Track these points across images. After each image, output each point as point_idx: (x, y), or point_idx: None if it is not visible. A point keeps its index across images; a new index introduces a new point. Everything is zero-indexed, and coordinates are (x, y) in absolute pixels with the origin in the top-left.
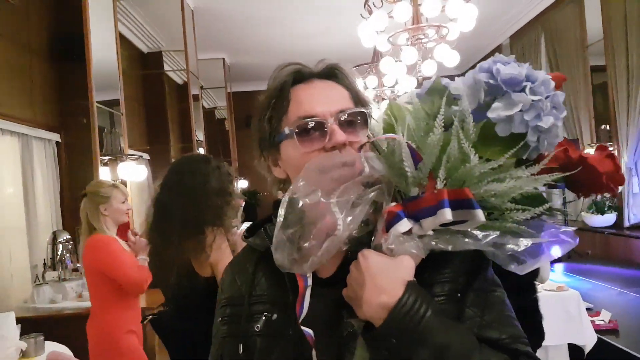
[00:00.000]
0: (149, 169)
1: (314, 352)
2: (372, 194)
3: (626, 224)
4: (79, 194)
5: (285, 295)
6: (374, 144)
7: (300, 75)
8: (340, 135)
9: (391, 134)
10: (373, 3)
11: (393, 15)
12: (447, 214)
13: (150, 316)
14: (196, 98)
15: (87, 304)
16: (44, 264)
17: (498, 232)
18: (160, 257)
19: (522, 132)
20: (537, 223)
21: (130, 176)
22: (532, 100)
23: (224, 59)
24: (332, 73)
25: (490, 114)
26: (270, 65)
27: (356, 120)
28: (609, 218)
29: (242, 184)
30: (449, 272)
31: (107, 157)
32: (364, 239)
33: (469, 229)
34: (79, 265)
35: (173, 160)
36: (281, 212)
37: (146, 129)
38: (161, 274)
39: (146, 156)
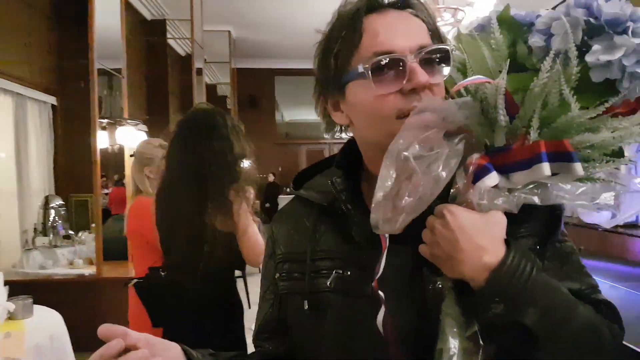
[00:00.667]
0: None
1: (381, 311)
2: (460, 144)
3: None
4: (74, 159)
5: (357, 251)
6: (459, 91)
7: (375, 3)
8: (422, 75)
9: (483, 78)
10: None
11: None
12: (545, 169)
13: (135, 280)
14: (199, 72)
15: (78, 271)
16: (35, 229)
17: (589, 184)
18: (175, 217)
19: (616, 78)
20: (623, 174)
21: (128, 141)
22: (636, 44)
23: (229, 31)
24: (408, 3)
25: (589, 58)
26: (280, 44)
27: (438, 58)
28: (605, 215)
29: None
30: (528, 225)
31: (105, 120)
32: (441, 194)
33: (561, 183)
34: (71, 232)
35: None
36: (386, 171)
37: (145, 99)
38: (173, 235)
39: (144, 127)
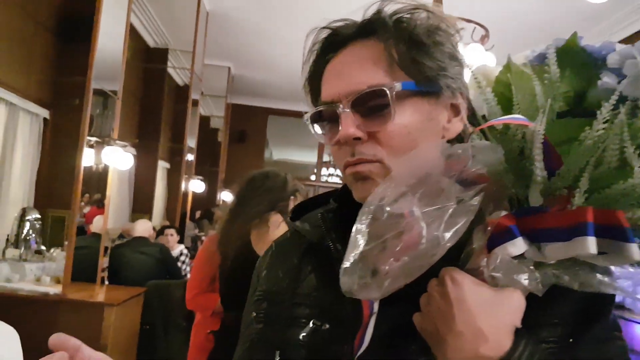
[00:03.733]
0: (134, 162)
1: None
2: (476, 198)
3: None
4: (57, 174)
5: (340, 302)
6: (484, 130)
7: (334, 40)
8: (345, 127)
9: (519, 118)
10: None
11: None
12: (590, 245)
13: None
14: (195, 103)
15: (44, 288)
16: (7, 240)
17: None
18: (226, 235)
19: None
20: None
21: (114, 162)
22: None
23: (229, 68)
24: (372, 27)
25: None
26: (276, 85)
27: (376, 103)
28: None
29: (225, 196)
30: (560, 311)
31: (94, 139)
32: (448, 251)
33: (607, 265)
34: (43, 247)
35: (159, 157)
36: (360, 226)
37: (137, 123)
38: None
39: (133, 151)
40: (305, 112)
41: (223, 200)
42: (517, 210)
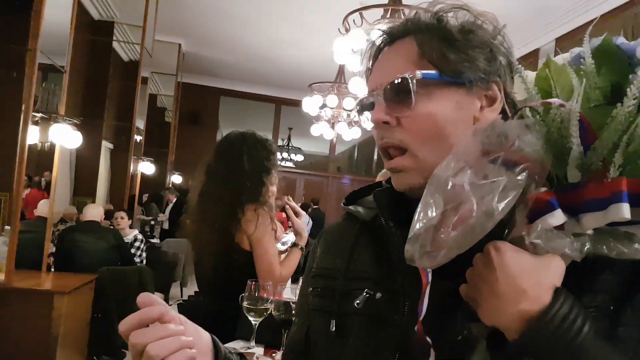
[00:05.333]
0: None
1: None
2: (522, 175)
3: None
4: None
5: (391, 275)
6: (529, 111)
7: (385, 41)
8: (375, 112)
9: (558, 100)
10: (353, 20)
11: (371, 38)
12: (624, 211)
13: (179, 301)
14: (144, 81)
15: None
16: None
17: None
18: (200, 241)
19: None
20: None
21: (63, 141)
22: None
23: (180, 44)
24: (405, 30)
25: None
26: (228, 63)
27: (401, 91)
28: None
29: (175, 179)
30: (603, 280)
31: (39, 115)
32: (492, 229)
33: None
34: None
35: (103, 137)
36: (428, 198)
37: (81, 100)
38: (200, 259)
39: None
40: (260, 94)
41: (172, 183)
42: (557, 187)
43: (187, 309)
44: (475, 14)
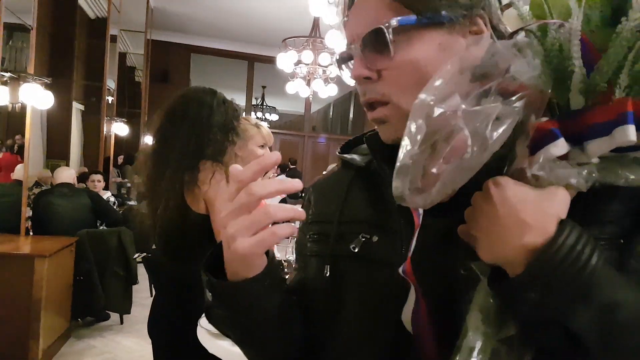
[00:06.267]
0: None
1: (409, 304)
2: (519, 103)
3: None
4: None
5: (387, 217)
6: (526, 34)
7: None
8: (355, 68)
9: (556, 20)
10: None
11: None
12: (630, 133)
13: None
14: (113, 39)
15: None
16: None
17: None
18: (153, 189)
19: None
20: None
21: (34, 101)
22: None
23: (148, 0)
24: None
25: None
26: (199, 19)
27: (378, 42)
28: None
29: (149, 139)
30: (611, 210)
31: (7, 74)
32: (492, 164)
33: None
34: None
35: (74, 97)
36: (411, 125)
37: (49, 59)
38: (152, 207)
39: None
40: (232, 51)
41: (147, 144)
42: (559, 115)
43: (152, 268)
44: None
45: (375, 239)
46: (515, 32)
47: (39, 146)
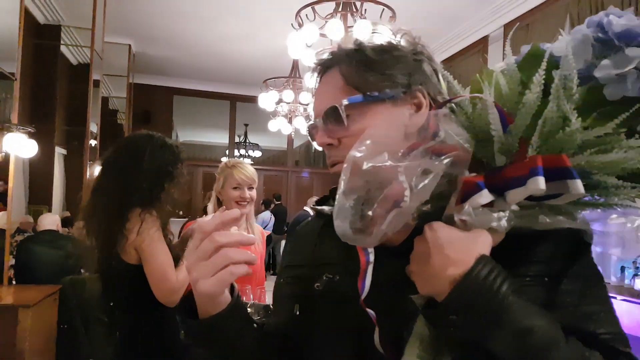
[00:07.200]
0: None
1: (376, 331)
2: (446, 161)
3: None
4: None
5: (350, 258)
6: (455, 106)
7: (320, 72)
8: (319, 137)
9: (476, 94)
10: (306, 15)
11: (325, 32)
12: (540, 183)
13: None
14: (96, 84)
15: None
16: None
17: (599, 209)
18: (90, 240)
19: (637, 96)
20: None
21: (18, 150)
22: None
23: (130, 45)
24: (330, 62)
25: (598, 73)
26: (180, 62)
27: (335, 117)
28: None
29: None
30: (539, 251)
31: None
32: (437, 215)
33: (564, 204)
34: None
35: (56, 142)
36: (344, 174)
37: (30, 107)
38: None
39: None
40: (214, 92)
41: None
42: (487, 171)
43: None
44: (390, 34)
45: (337, 278)
46: (445, 104)
47: (21, 192)
